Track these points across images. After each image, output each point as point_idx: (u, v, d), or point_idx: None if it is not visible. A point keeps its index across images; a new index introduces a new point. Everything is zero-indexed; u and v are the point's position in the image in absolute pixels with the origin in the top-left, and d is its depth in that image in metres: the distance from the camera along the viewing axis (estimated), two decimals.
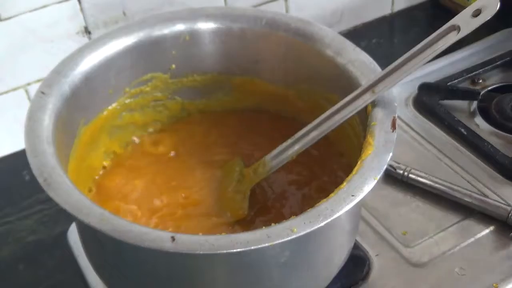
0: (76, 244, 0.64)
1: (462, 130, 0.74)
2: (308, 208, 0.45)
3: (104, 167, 0.62)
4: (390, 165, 0.68)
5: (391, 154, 0.48)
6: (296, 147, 0.56)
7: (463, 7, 0.97)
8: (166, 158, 0.63)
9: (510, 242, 0.63)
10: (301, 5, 0.89)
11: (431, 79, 0.81)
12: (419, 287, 0.60)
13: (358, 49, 0.57)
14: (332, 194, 0.46)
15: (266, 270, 0.48)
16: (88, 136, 0.58)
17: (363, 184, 0.46)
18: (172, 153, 0.63)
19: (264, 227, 0.44)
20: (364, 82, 0.53)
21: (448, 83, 0.80)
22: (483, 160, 0.71)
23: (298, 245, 0.47)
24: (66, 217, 0.54)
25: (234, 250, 0.42)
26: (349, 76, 0.56)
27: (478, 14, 0.51)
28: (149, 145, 0.64)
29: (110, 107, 0.60)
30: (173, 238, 0.43)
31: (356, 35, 0.94)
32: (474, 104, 0.78)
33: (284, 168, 0.59)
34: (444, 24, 0.51)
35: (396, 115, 0.51)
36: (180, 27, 0.60)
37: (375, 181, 0.47)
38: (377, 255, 0.63)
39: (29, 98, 0.77)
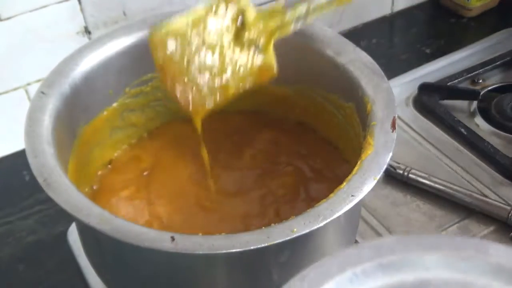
0: (76, 244, 0.64)
1: (462, 130, 0.74)
2: (306, 208, 0.45)
3: (104, 167, 0.62)
4: (390, 165, 0.68)
5: (391, 154, 0.48)
6: None
7: (463, 7, 0.98)
8: (166, 158, 0.63)
9: (510, 242, 0.63)
10: None
11: (431, 79, 0.81)
12: None
13: (358, 49, 0.57)
14: (331, 194, 0.46)
15: (266, 270, 0.48)
16: (88, 136, 0.58)
17: (363, 184, 0.46)
18: (172, 153, 0.63)
19: (264, 227, 0.44)
20: None
21: (448, 83, 0.80)
22: (483, 160, 0.71)
23: (298, 245, 0.47)
24: (66, 217, 0.54)
25: (234, 250, 0.43)
26: (349, 76, 0.56)
27: None
28: (149, 145, 0.64)
29: (110, 107, 0.60)
30: (172, 238, 0.43)
31: (356, 35, 0.94)
32: (474, 104, 0.78)
33: (282, 164, 0.59)
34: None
35: (396, 115, 0.51)
36: None
37: (375, 181, 0.47)
38: None
39: (29, 98, 0.77)
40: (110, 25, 0.77)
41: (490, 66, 0.83)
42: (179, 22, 0.51)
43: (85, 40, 0.77)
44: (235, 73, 0.52)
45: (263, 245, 0.43)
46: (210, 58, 0.51)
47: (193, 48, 0.51)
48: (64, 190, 0.46)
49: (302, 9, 0.51)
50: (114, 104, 0.60)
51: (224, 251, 0.43)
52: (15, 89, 0.76)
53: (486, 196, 0.67)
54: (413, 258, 0.38)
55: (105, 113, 0.60)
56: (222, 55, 0.52)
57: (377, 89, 0.54)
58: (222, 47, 0.51)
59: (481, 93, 0.78)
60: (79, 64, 0.56)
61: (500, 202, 0.66)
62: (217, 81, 0.52)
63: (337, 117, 0.60)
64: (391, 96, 0.53)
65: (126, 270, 0.51)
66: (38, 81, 0.75)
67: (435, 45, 0.92)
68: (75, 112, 0.55)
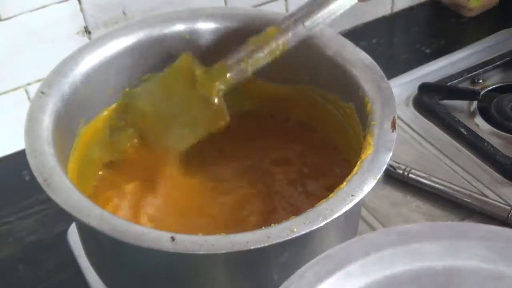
0: (76, 244, 0.64)
1: (462, 130, 0.74)
2: (307, 208, 0.45)
3: (104, 167, 0.62)
4: (390, 165, 0.68)
5: (391, 154, 0.48)
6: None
7: (463, 7, 0.98)
8: (165, 158, 0.63)
9: None
10: (301, 5, 0.88)
11: (431, 79, 0.81)
12: None
13: (358, 49, 0.57)
14: (331, 194, 0.46)
15: (266, 270, 0.48)
16: (88, 136, 0.58)
17: (363, 184, 0.46)
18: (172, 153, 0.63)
19: (263, 227, 0.44)
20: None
21: (448, 83, 0.80)
22: (483, 160, 0.71)
23: (298, 245, 0.47)
24: (66, 217, 0.54)
25: (234, 250, 0.43)
26: (349, 76, 0.56)
27: None
28: (149, 145, 0.64)
29: (110, 107, 0.60)
30: (172, 238, 0.43)
31: (356, 35, 0.94)
32: (474, 104, 0.78)
33: (282, 165, 0.59)
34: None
35: (396, 115, 0.51)
36: (180, 27, 0.60)
37: (375, 181, 0.47)
38: None
39: (29, 98, 0.77)
40: (110, 25, 0.77)
41: (490, 66, 0.83)
42: (148, 89, 0.60)
43: (85, 40, 0.77)
44: (192, 124, 0.58)
45: (263, 245, 0.43)
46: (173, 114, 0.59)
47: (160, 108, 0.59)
48: (64, 190, 0.46)
49: (241, 65, 0.57)
50: (114, 104, 0.60)
51: (224, 251, 0.43)
52: (15, 89, 0.76)
53: (486, 196, 0.67)
54: (443, 245, 0.38)
55: (105, 113, 0.60)
56: (181, 109, 0.59)
57: (377, 89, 0.54)
58: (180, 103, 0.59)
59: (481, 93, 0.78)
60: (79, 64, 0.56)
61: (500, 202, 0.66)
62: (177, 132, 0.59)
63: (337, 117, 0.60)
64: (391, 96, 0.53)
65: (126, 270, 0.51)
66: (38, 81, 0.75)
67: (435, 45, 0.91)
68: (75, 112, 0.55)
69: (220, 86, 0.57)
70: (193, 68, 0.57)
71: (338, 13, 0.54)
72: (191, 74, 0.57)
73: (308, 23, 0.54)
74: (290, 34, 0.55)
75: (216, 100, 0.57)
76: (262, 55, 0.56)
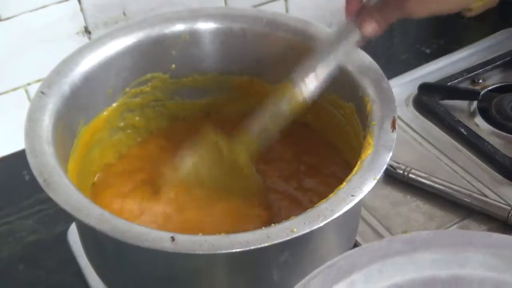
0: (76, 244, 0.64)
1: (462, 130, 0.74)
2: (307, 209, 0.45)
3: (104, 167, 0.62)
4: (390, 165, 0.68)
5: (391, 154, 0.48)
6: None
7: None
8: (166, 158, 0.63)
9: None
10: (301, 5, 0.89)
11: (431, 79, 0.81)
12: None
13: (358, 49, 0.57)
14: (331, 194, 0.46)
15: (266, 270, 0.48)
16: (88, 136, 0.58)
17: (363, 184, 0.46)
18: (172, 153, 0.63)
19: (264, 227, 0.44)
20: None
21: (448, 83, 0.80)
22: (483, 160, 0.71)
23: (298, 245, 0.47)
24: (66, 217, 0.54)
25: (234, 250, 0.43)
26: (349, 76, 0.56)
27: None
28: (149, 146, 0.64)
29: (110, 107, 0.60)
30: (172, 238, 0.43)
31: None
32: (474, 104, 0.78)
33: (283, 165, 0.59)
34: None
35: (396, 115, 0.51)
36: (180, 27, 0.60)
37: (375, 181, 0.47)
38: None
39: (29, 98, 0.77)
40: (110, 25, 0.77)
41: (490, 66, 0.83)
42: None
43: (85, 40, 0.77)
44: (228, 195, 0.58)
45: (263, 245, 0.43)
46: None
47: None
48: (64, 190, 0.46)
49: (266, 130, 0.57)
50: (114, 104, 0.60)
51: (224, 251, 0.43)
52: (15, 89, 0.76)
53: (486, 196, 0.67)
54: (448, 254, 0.37)
55: (105, 113, 0.60)
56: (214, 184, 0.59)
57: (377, 89, 0.54)
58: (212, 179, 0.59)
59: (481, 93, 0.78)
60: (79, 64, 0.56)
61: (500, 202, 0.66)
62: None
63: (337, 117, 0.60)
64: (391, 96, 0.53)
65: (126, 270, 0.51)
66: (38, 81, 0.75)
67: (435, 45, 0.91)
68: (75, 112, 0.55)
69: (249, 155, 0.58)
70: (217, 140, 0.58)
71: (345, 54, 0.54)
72: (216, 147, 0.58)
73: (319, 70, 0.54)
74: (304, 86, 0.55)
75: (247, 170, 0.58)
76: (283, 114, 0.56)
